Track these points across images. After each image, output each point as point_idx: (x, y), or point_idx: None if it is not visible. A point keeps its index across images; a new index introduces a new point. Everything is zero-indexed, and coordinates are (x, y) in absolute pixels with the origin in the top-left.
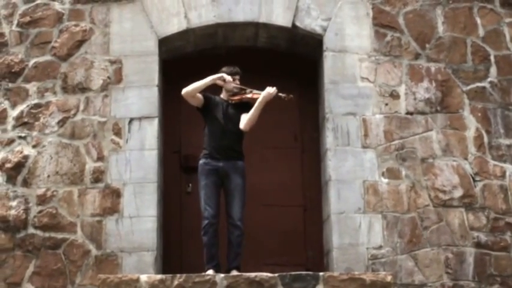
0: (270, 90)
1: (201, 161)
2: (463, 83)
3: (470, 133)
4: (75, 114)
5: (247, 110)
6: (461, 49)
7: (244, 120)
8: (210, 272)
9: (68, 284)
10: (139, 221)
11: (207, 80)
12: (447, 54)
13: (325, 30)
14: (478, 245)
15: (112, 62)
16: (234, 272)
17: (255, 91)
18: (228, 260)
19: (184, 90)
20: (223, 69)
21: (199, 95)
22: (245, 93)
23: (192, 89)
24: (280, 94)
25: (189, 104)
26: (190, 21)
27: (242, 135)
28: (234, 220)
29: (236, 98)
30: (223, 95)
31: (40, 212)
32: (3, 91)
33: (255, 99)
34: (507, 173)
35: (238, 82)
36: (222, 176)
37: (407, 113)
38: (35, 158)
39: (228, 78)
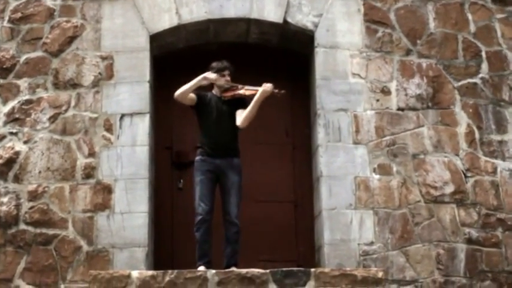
0: (267, 87)
1: (198, 157)
2: (455, 79)
3: (462, 129)
4: (66, 110)
5: (240, 106)
6: (453, 45)
7: (242, 117)
8: (201, 268)
9: (59, 280)
10: (130, 217)
11: (194, 81)
12: (438, 50)
13: (316, 26)
14: (469, 241)
15: (103, 58)
16: (233, 269)
17: (246, 87)
18: (226, 257)
19: (176, 94)
20: (213, 64)
21: (192, 95)
22: (237, 89)
23: (183, 92)
24: (274, 91)
25: None
26: (182, 17)
27: (237, 132)
28: (231, 217)
29: (229, 94)
30: (215, 91)
31: (31, 208)
32: None
33: (248, 95)
34: (498, 169)
35: (228, 78)
36: (218, 173)
37: (399, 109)
38: (26, 154)
39: (212, 76)
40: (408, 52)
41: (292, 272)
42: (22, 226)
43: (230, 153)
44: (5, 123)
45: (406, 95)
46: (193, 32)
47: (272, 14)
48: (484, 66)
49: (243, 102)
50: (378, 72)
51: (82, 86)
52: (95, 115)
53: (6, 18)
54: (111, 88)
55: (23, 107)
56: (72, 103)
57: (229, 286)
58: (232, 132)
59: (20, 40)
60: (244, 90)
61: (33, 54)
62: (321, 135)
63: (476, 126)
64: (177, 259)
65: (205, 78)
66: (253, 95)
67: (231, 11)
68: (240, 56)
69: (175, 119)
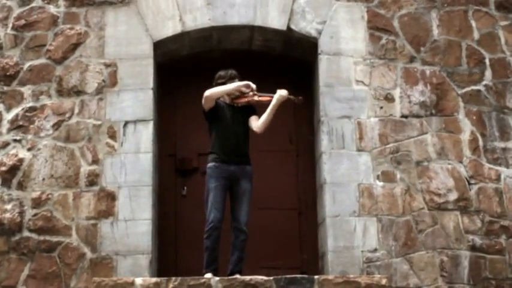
0: (283, 92)
1: (212, 164)
2: (458, 86)
3: (465, 136)
4: (70, 118)
5: (251, 113)
6: (456, 52)
7: (259, 122)
8: (208, 275)
9: (62, 287)
10: (134, 224)
11: (232, 86)
12: (442, 57)
13: (320, 33)
14: (473, 248)
15: (107, 65)
16: (237, 276)
17: (260, 94)
18: (231, 264)
19: (208, 92)
20: (221, 73)
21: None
22: (249, 96)
23: (216, 93)
24: (290, 97)
25: (184, 107)
26: (185, 24)
27: (249, 138)
28: (241, 224)
29: (242, 100)
30: (223, 98)
31: (35, 215)
32: None
33: (262, 102)
34: (502, 176)
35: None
36: (232, 180)
37: (402, 116)
38: (30, 161)
39: (253, 86)
40: (412, 59)
41: (295, 279)
42: (26, 233)
43: (244, 160)
44: (9, 131)
45: (409, 102)
46: (196, 39)
47: (276, 21)
48: (488, 73)
49: (253, 108)
50: (381, 79)
51: (86, 93)
52: (99, 122)
53: (10, 25)
54: (115, 95)
55: (27, 114)
56: (76, 110)
57: None
58: (245, 139)
59: (24, 47)
60: (258, 97)
61: (36, 62)
62: (324, 142)
63: (480, 134)
64: (181, 266)
65: (248, 86)
66: (267, 102)
67: (235, 18)
68: (244, 63)
69: (178, 126)
